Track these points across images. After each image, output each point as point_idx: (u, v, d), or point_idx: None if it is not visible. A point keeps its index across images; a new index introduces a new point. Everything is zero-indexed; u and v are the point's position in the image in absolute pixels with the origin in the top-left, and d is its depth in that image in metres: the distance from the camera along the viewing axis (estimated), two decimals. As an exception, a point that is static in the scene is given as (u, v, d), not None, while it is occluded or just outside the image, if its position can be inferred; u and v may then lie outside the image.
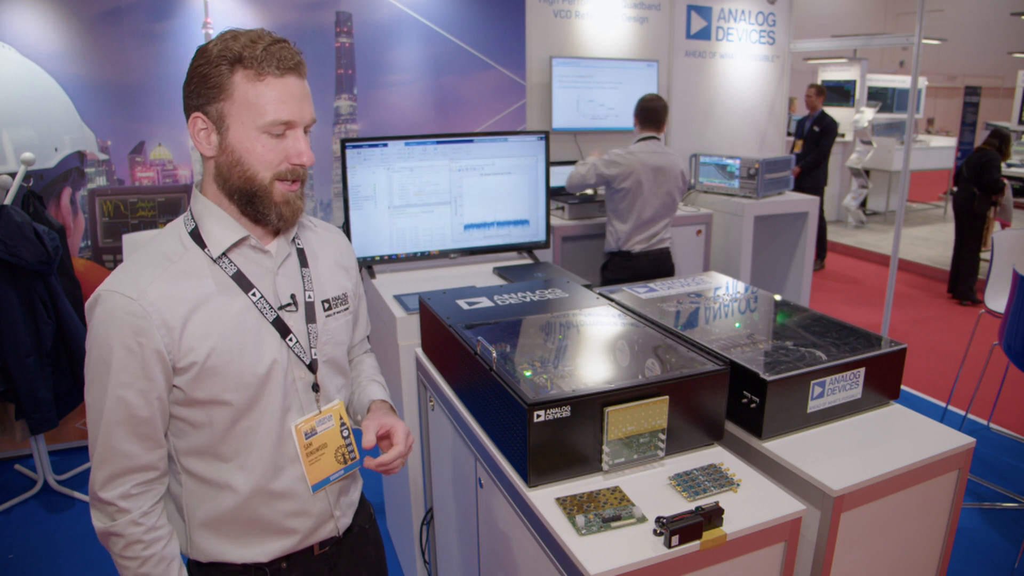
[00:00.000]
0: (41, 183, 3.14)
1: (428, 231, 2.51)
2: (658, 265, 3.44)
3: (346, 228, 2.40)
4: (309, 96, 1.12)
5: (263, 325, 1.14)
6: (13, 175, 2.76)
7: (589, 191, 4.17)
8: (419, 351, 1.82)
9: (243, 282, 1.13)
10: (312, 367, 1.20)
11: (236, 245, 1.13)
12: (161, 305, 1.05)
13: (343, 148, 2.32)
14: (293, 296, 1.19)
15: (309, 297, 1.21)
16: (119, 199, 3.32)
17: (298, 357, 1.17)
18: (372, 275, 2.46)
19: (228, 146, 1.08)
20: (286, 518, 1.19)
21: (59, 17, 3.09)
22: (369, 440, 1.21)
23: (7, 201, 2.68)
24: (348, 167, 2.33)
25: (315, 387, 1.21)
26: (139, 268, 1.08)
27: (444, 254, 2.55)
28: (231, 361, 1.09)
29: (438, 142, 2.46)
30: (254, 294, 1.13)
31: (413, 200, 2.46)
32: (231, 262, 1.13)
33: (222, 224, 1.13)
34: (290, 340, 1.16)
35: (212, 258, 1.11)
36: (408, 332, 2.04)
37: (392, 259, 2.48)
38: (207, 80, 1.06)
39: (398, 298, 2.19)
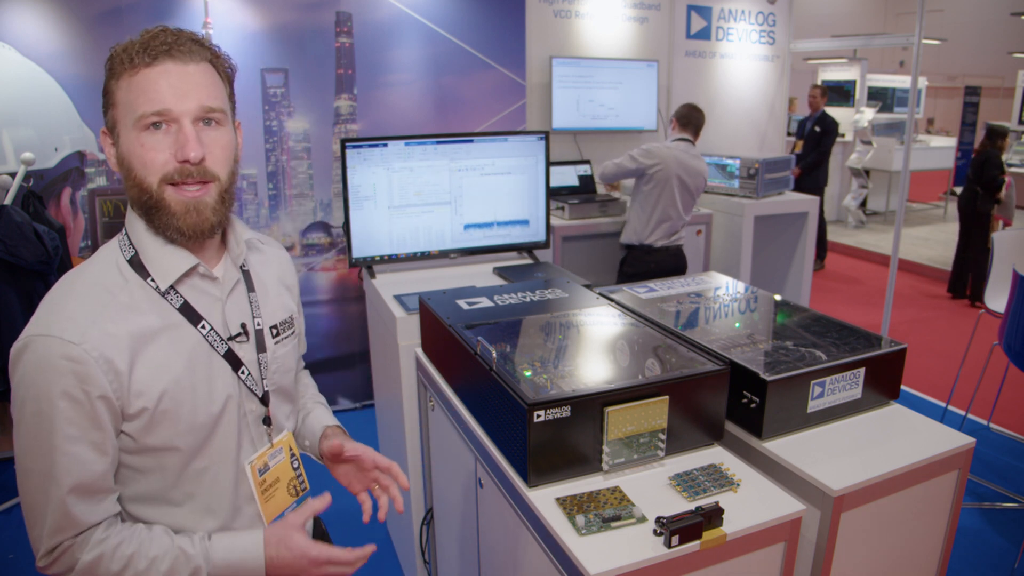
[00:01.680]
0: (41, 183, 3.14)
1: (428, 231, 2.51)
2: (677, 261, 3.60)
3: (346, 228, 2.40)
4: (198, 80, 0.97)
5: (214, 359, 1.04)
6: (13, 175, 2.76)
7: (599, 183, 4.19)
8: (419, 351, 1.82)
9: (191, 314, 1.02)
10: (264, 400, 1.12)
11: (185, 275, 1.02)
12: (105, 348, 0.93)
13: (343, 148, 2.32)
14: (243, 325, 1.09)
15: (258, 324, 1.12)
16: (119, 199, 3.32)
17: (250, 390, 1.10)
18: (372, 275, 2.46)
19: (120, 156, 0.98)
20: None
21: (59, 17, 3.09)
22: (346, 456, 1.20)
23: (7, 201, 2.68)
24: (348, 167, 2.33)
25: (267, 420, 1.13)
26: (74, 305, 0.95)
27: (444, 254, 2.55)
28: (184, 402, 1.00)
29: (438, 142, 2.46)
30: (203, 326, 1.03)
31: (413, 200, 2.46)
32: (177, 293, 1.02)
33: (165, 251, 1.01)
34: (242, 373, 1.08)
35: (159, 290, 1.00)
36: (408, 332, 2.04)
37: (392, 259, 2.48)
38: (104, 91, 0.98)
39: (398, 298, 2.18)
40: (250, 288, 1.13)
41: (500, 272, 2.47)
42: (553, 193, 3.73)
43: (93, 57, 3.15)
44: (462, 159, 2.50)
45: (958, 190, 9.16)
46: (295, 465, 1.20)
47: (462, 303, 1.71)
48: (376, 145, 2.37)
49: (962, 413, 3.61)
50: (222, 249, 1.10)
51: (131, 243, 1.02)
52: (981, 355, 3.77)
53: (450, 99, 3.88)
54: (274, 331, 1.16)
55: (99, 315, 0.95)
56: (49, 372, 0.91)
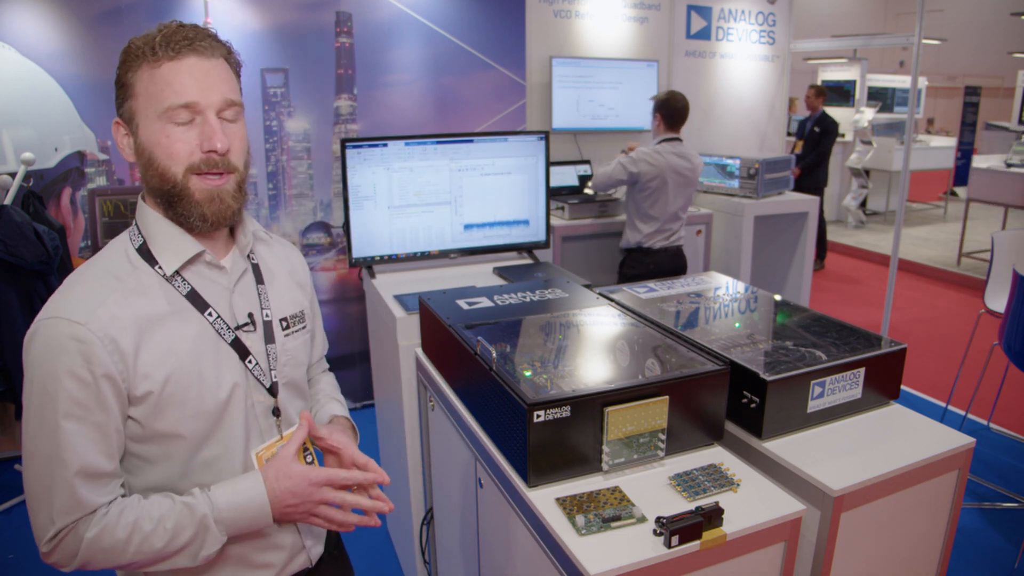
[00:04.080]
0: (41, 183, 3.14)
1: (428, 231, 2.51)
2: (676, 261, 3.57)
3: (346, 228, 2.40)
4: (220, 75, 1.01)
5: (221, 347, 1.05)
6: (13, 175, 2.76)
7: (589, 191, 4.18)
8: (419, 351, 1.82)
9: (198, 301, 1.04)
10: (272, 390, 1.12)
11: (190, 262, 1.04)
12: (112, 329, 0.95)
13: (343, 148, 2.32)
14: (251, 315, 1.10)
15: (267, 316, 1.12)
16: (119, 199, 3.32)
17: (258, 380, 1.10)
18: (372, 275, 2.46)
19: (140, 146, 1.00)
20: (256, 552, 1.11)
21: (59, 17, 3.09)
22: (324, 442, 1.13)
23: (7, 201, 2.68)
24: (348, 167, 2.33)
25: (276, 411, 1.13)
26: (83, 290, 0.97)
27: (444, 254, 2.55)
28: (190, 388, 1.01)
29: (438, 142, 2.46)
30: (210, 314, 1.04)
31: (413, 200, 2.46)
32: (184, 280, 1.04)
33: (173, 238, 1.03)
34: (249, 362, 1.08)
35: (164, 276, 1.02)
36: (408, 332, 2.04)
37: (392, 259, 2.48)
38: (119, 82, 1.00)
39: (398, 298, 2.18)
40: (259, 280, 1.15)
41: (500, 272, 2.47)
42: (553, 193, 3.74)
43: (93, 57, 3.15)
44: (462, 159, 2.50)
45: (958, 190, 9.18)
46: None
47: (462, 303, 1.71)
48: (376, 145, 2.37)
49: (962, 413, 3.61)
50: (230, 241, 1.13)
51: (140, 233, 1.05)
52: (981, 355, 3.77)
53: (450, 99, 3.88)
54: (284, 324, 1.16)
55: (106, 298, 0.97)
56: (56, 352, 0.93)
